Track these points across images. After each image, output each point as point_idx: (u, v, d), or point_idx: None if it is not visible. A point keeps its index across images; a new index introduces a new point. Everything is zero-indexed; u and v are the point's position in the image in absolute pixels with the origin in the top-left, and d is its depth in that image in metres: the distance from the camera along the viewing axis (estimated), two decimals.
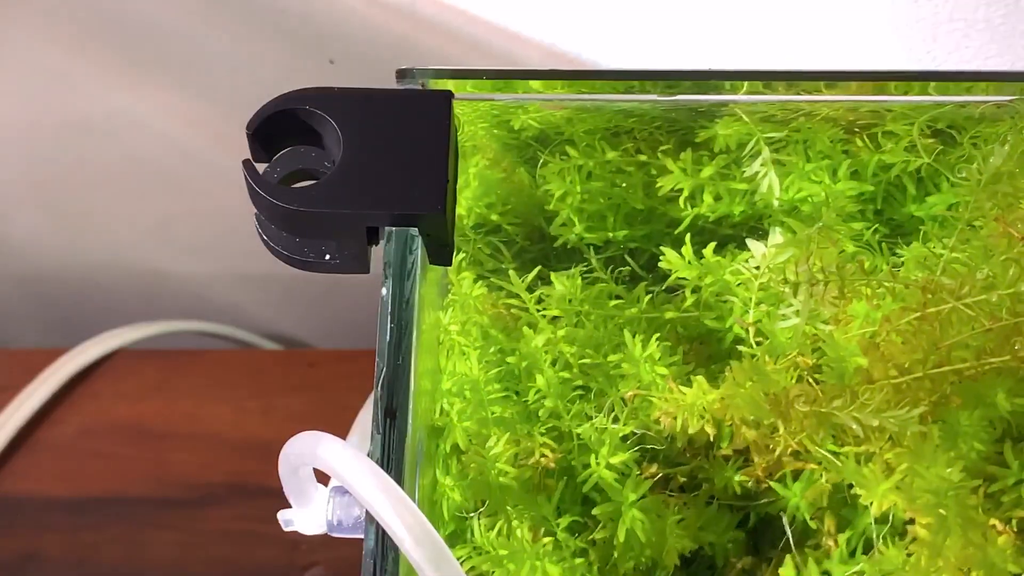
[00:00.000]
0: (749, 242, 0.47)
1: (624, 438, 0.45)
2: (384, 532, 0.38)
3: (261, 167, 0.42)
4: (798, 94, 0.48)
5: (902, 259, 0.47)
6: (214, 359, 0.83)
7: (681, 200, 0.50)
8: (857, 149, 0.50)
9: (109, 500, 0.77)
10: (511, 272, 0.48)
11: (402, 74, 0.47)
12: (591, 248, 0.50)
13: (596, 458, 0.45)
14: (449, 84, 0.47)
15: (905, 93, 0.48)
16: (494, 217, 0.52)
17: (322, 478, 0.45)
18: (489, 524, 0.44)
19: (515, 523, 0.44)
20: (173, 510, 0.77)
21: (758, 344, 0.46)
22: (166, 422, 0.80)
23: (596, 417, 0.46)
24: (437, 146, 0.42)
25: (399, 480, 0.42)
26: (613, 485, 0.44)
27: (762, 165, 0.49)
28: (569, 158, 0.50)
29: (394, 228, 0.45)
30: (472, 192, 0.51)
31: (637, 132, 0.51)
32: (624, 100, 0.49)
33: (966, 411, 0.42)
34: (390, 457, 0.42)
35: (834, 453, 0.43)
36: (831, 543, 0.43)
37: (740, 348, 0.46)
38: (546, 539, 0.43)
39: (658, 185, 0.49)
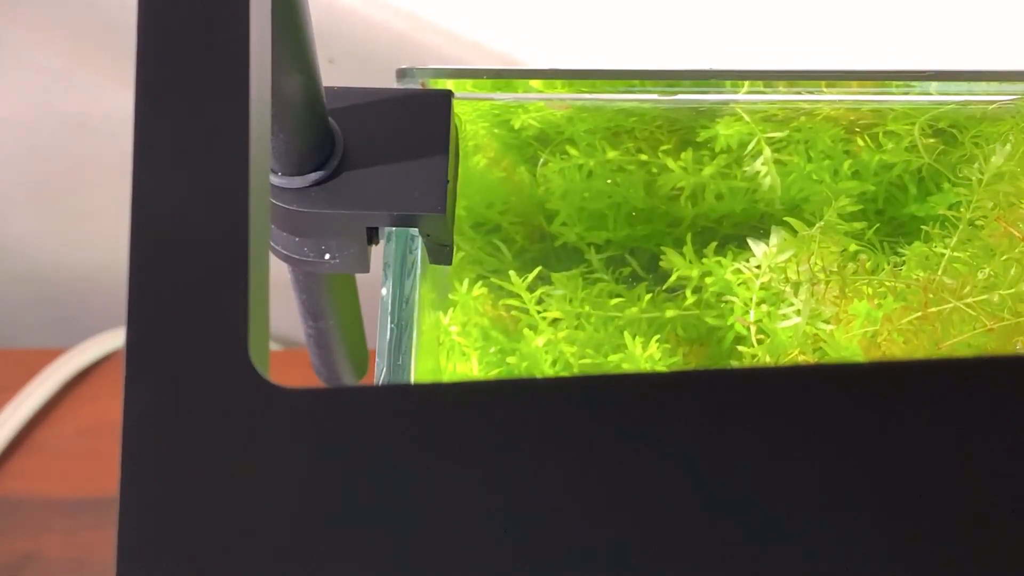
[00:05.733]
0: (750, 241, 0.47)
1: None
2: None
3: None
4: (799, 93, 0.48)
5: (903, 258, 0.47)
6: None
7: (682, 199, 0.49)
8: (858, 149, 0.49)
9: (109, 500, 0.77)
10: (511, 272, 0.48)
11: (402, 74, 0.47)
12: (591, 248, 0.50)
13: None
14: (449, 84, 0.47)
15: (906, 93, 0.48)
16: (494, 217, 0.51)
17: None
18: None
19: None
20: None
21: (759, 343, 0.46)
22: None
23: None
24: (437, 146, 0.42)
25: None
26: None
27: (763, 164, 0.49)
28: (569, 157, 0.50)
29: (394, 228, 0.45)
30: (472, 191, 0.51)
31: (638, 131, 0.51)
32: (624, 99, 0.49)
33: None
34: None
35: None
36: None
37: (740, 348, 0.46)
38: None
39: (659, 184, 0.49)
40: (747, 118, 0.49)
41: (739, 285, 0.47)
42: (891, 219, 0.50)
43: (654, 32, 0.63)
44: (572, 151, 0.50)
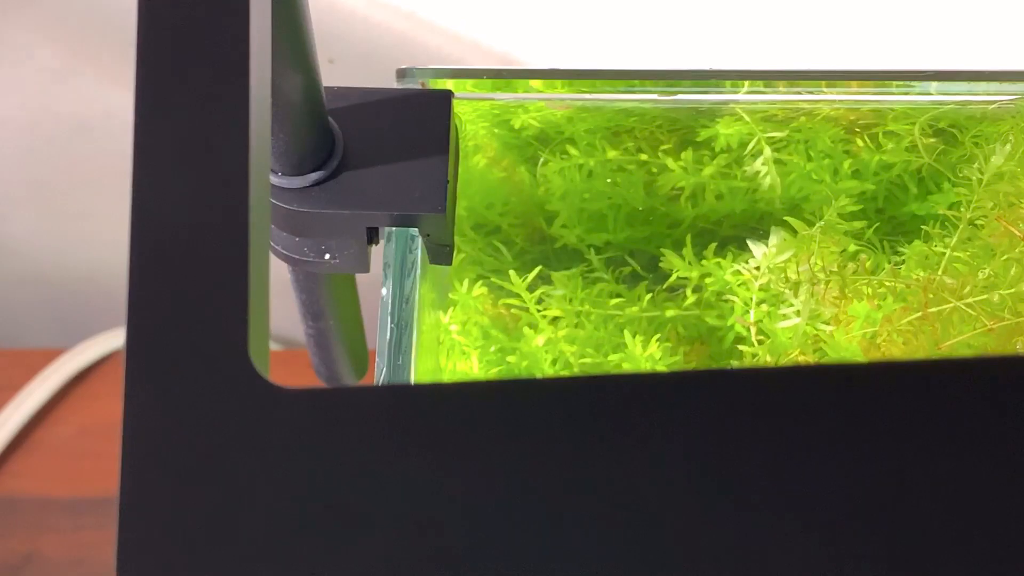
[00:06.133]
0: (750, 242, 0.47)
1: None
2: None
3: None
4: (799, 93, 0.48)
5: (903, 258, 0.47)
6: None
7: (682, 200, 0.49)
8: (858, 149, 0.49)
9: (109, 500, 0.77)
10: (511, 272, 0.48)
11: (402, 74, 0.47)
12: (591, 249, 0.50)
13: None
14: (449, 84, 0.47)
15: (906, 93, 0.48)
16: (494, 218, 0.51)
17: None
18: None
19: None
20: None
21: (759, 343, 0.46)
22: None
23: None
24: (437, 146, 0.42)
25: None
26: None
27: (763, 164, 0.49)
28: (569, 157, 0.50)
29: (394, 228, 0.45)
30: (472, 192, 0.51)
31: (638, 131, 0.51)
32: (624, 99, 0.49)
33: None
34: None
35: None
36: None
37: (741, 348, 0.46)
38: None
39: (659, 184, 0.49)
40: (747, 118, 0.49)
41: (739, 286, 0.47)
42: (891, 218, 0.50)
43: (654, 32, 0.63)
44: (572, 151, 0.50)
